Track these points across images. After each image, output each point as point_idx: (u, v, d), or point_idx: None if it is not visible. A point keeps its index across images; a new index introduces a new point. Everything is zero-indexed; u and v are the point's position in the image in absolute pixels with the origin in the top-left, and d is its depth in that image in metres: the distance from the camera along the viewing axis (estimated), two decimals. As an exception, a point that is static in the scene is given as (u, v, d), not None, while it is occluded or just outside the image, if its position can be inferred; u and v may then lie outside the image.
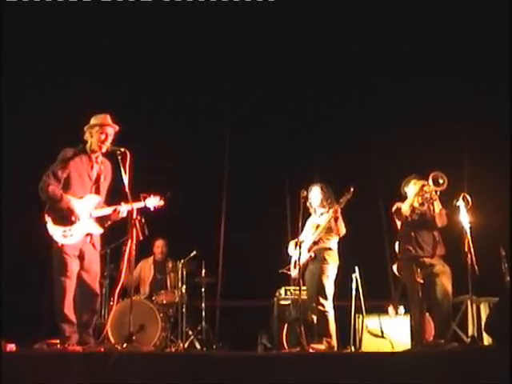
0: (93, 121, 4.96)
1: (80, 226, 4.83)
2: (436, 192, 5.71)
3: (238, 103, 7.51)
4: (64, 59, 6.64)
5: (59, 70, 6.76)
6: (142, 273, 7.39)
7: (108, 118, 4.98)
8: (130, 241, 4.71)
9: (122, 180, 4.73)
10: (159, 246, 7.46)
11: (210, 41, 6.80)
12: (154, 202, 5.03)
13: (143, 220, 4.81)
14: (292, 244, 6.16)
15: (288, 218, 7.50)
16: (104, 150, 4.90)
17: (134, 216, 4.75)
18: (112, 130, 4.93)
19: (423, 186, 5.77)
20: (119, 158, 4.79)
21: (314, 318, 5.83)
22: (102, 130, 4.87)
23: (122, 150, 4.81)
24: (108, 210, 4.93)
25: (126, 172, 4.72)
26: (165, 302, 6.91)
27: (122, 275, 4.73)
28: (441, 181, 5.65)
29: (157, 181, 5.65)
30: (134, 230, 4.71)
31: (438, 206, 5.76)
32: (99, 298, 5.08)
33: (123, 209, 4.87)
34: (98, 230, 4.96)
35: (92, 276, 4.91)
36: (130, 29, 6.62)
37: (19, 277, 6.69)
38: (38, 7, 5.93)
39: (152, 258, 7.50)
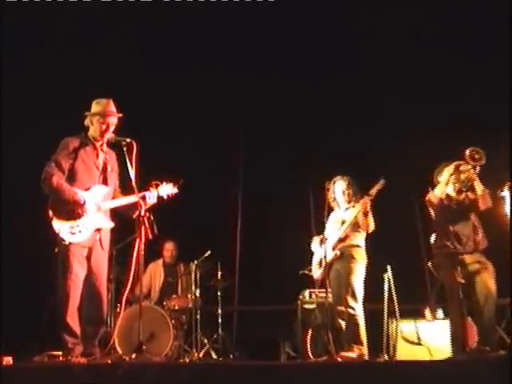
0: (94, 107, 4.95)
1: (88, 220, 4.78)
2: (474, 169, 5.59)
3: (255, 94, 7.68)
4: (77, 70, 6.94)
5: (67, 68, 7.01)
6: (152, 276, 7.44)
7: (111, 105, 4.96)
8: (138, 240, 4.68)
9: (128, 173, 4.74)
10: (169, 248, 7.55)
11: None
12: (167, 189, 5.01)
13: (151, 217, 4.78)
14: (316, 240, 6.17)
15: (312, 214, 7.51)
16: (105, 139, 4.91)
17: (143, 213, 4.73)
18: (115, 119, 4.92)
19: (458, 165, 5.67)
20: (125, 149, 4.79)
21: (343, 323, 5.80)
22: (103, 120, 4.87)
23: (128, 140, 4.80)
24: (123, 200, 4.91)
25: (132, 165, 4.71)
26: (177, 307, 6.93)
27: (131, 278, 4.71)
28: (477, 156, 5.54)
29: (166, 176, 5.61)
30: (143, 228, 4.68)
31: (478, 186, 5.63)
32: (106, 305, 5.03)
33: (152, 194, 4.86)
34: (108, 224, 4.92)
35: (99, 280, 4.86)
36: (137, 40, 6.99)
37: (16, 280, 6.66)
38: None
39: (162, 260, 7.59)
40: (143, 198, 4.81)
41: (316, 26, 7.09)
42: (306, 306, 6.86)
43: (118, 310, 6.33)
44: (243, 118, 7.93)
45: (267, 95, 7.67)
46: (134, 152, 4.72)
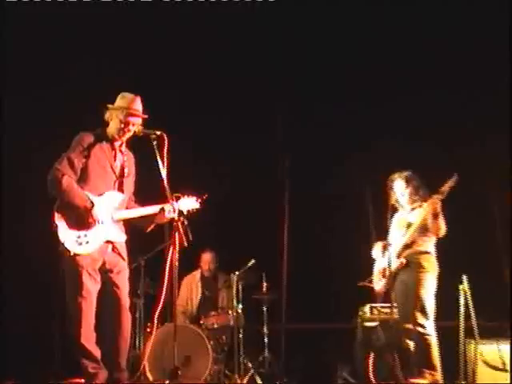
0: (118, 101, 4.75)
1: (98, 231, 4.58)
2: None
3: (300, 88, 7.59)
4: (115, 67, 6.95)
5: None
6: (188, 290, 7.35)
7: (137, 103, 4.74)
8: (171, 248, 4.52)
9: (158, 172, 4.52)
10: (207, 260, 7.42)
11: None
12: (188, 204, 4.80)
13: (186, 222, 4.62)
14: (378, 246, 5.98)
15: (370, 216, 7.43)
16: (125, 140, 4.76)
17: (176, 216, 4.59)
18: (139, 119, 4.72)
19: None
20: (154, 143, 4.58)
21: (411, 343, 5.53)
22: (124, 118, 4.67)
23: (158, 133, 4.60)
24: (140, 211, 4.76)
25: (163, 161, 4.51)
26: (216, 325, 6.73)
27: (163, 293, 4.56)
28: None
29: (202, 180, 5.78)
30: (177, 235, 4.52)
31: None
32: (131, 322, 4.81)
33: (170, 208, 4.64)
34: (120, 237, 4.73)
35: (122, 292, 4.67)
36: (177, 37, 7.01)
37: (22, 297, 6.50)
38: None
39: (199, 272, 7.46)
40: (161, 211, 4.68)
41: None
42: (367, 324, 6.58)
43: (149, 329, 6.22)
44: (287, 118, 7.78)
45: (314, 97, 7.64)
46: (166, 146, 4.53)
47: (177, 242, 4.52)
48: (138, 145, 4.79)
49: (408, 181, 5.76)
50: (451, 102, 7.22)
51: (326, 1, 6.88)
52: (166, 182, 4.50)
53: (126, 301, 4.67)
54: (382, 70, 7.26)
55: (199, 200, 4.84)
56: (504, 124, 6.72)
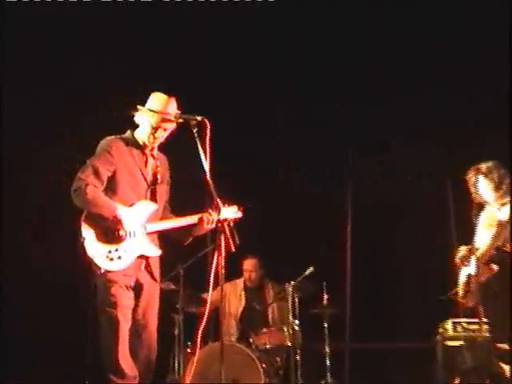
0: (150, 102, 4.60)
1: (130, 244, 4.45)
2: None
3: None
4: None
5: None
6: (228, 302, 7.05)
7: (172, 105, 4.56)
8: (216, 254, 4.26)
9: (200, 164, 4.28)
10: (248, 268, 7.04)
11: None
12: (229, 214, 4.61)
13: (232, 223, 4.44)
14: (462, 251, 5.58)
15: (451, 214, 7.17)
16: (156, 145, 4.61)
17: (222, 217, 4.37)
18: (173, 125, 4.58)
19: None
20: (195, 130, 4.36)
21: (506, 367, 5.17)
22: (157, 125, 4.52)
23: (199, 118, 4.37)
24: (176, 222, 4.61)
25: (205, 152, 4.27)
26: (268, 345, 6.37)
27: (208, 307, 4.38)
28: None
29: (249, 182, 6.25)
30: (223, 239, 4.29)
31: None
32: (156, 352, 4.65)
33: (212, 218, 4.48)
34: (154, 252, 4.57)
35: (148, 318, 4.54)
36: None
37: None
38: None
39: (242, 280, 7.13)
40: (200, 221, 4.53)
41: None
42: (450, 343, 6.03)
43: (190, 350, 6.00)
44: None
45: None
46: (208, 134, 4.30)
47: (223, 247, 4.29)
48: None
49: (487, 174, 5.51)
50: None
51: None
52: (208, 173, 4.27)
53: (151, 330, 4.55)
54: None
55: (241, 209, 4.73)
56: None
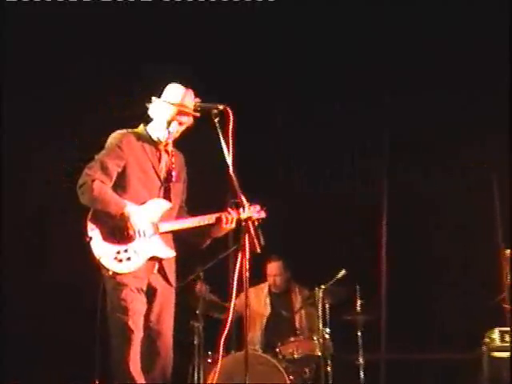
0: (166, 93, 4.50)
1: (141, 245, 4.34)
2: None
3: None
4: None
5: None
6: (253, 307, 6.70)
7: (190, 98, 4.45)
8: (240, 255, 4.11)
9: (222, 156, 4.17)
10: (275, 272, 6.79)
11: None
12: (252, 214, 4.44)
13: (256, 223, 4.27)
14: (508, 253, 5.71)
15: (498, 215, 7.01)
16: (171, 140, 4.54)
17: (245, 215, 4.22)
18: (190, 119, 4.47)
19: None
20: (216, 120, 4.22)
21: None
22: (172, 118, 4.42)
23: (221, 107, 4.25)
24: (191, 221, 4.49)
25: (228, 143, 4.16)
26: (296, 355, 6.07)
27: (231, 312, 4.23)
28: None
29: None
30: (247, 239, 4.12)
31: None
32: (172, 361, 4.50)
33: (231, 217, 4.38)
34: (168, 253, 4.45)
35: (162, 325, 4.42)
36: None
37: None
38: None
39: (267, 285, 6.93)
40: (218, 220, 4.43)
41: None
42: (497, 354, 5.97)
43: (210, 360, 5.81)
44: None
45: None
46: (231, 124, 4.17)
47: (247, 248, 4.09)
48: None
49: None
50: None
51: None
52: (231, 167, 4.12)
53: (165, 340, 4.43)
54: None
55: (264, 209, 4.57)
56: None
